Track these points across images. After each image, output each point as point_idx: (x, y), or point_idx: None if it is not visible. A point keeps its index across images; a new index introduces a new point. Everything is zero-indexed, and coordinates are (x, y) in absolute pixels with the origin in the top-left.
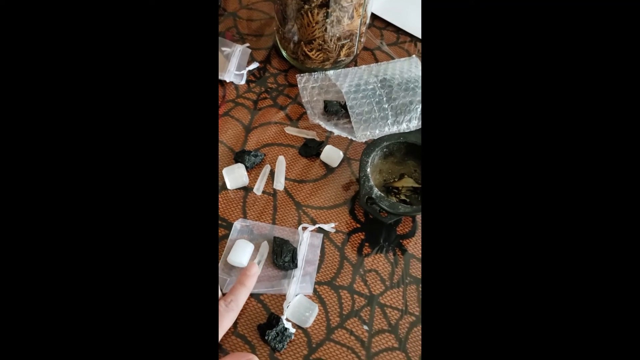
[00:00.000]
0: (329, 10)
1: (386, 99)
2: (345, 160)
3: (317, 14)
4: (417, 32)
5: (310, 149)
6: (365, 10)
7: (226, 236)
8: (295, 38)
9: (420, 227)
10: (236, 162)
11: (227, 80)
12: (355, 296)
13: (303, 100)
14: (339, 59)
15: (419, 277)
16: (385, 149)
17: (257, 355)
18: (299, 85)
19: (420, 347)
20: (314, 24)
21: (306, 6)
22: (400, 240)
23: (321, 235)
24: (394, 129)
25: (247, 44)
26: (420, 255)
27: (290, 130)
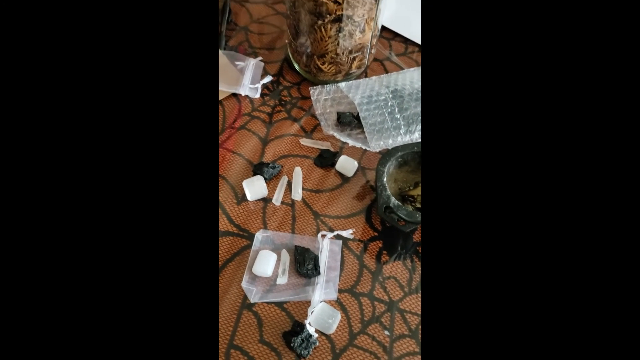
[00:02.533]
0: (342, 25)
1: (398, 109)
2: (360, 169)
3: (330, 28)
4: None
5: (326, 160)
6: (376, 24)
7: (249, 246)
8: (308, 52)
9: None
10: (255, 174)
11: (243, 94)
12: (376, 303)
13: (316, 112)
14: (350, 71)
15: None
16: (400, 159)
17: None
18: (312, 98)
19: None
20: (327, 39)
21: (319, 21)
22: (417, 247)
23: (340, 242)
24: (407, 139)
25: (260, 58)
26: None
27: (305, 141)
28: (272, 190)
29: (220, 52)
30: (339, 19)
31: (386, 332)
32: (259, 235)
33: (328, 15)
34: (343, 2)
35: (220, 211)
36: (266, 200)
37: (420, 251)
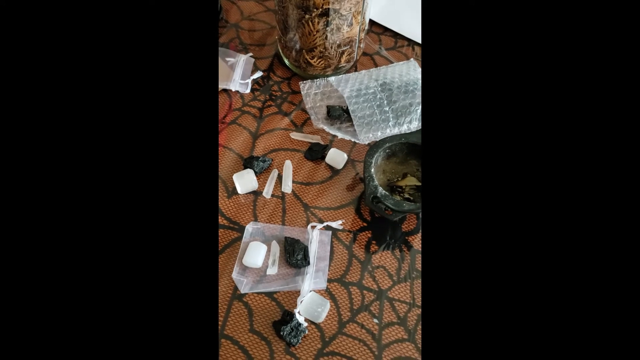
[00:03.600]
0: (329, 19)
1: (387, 102)
2: (350, 162)
3: (318, 23)
4: (414, 36)
5: (316, 153)
6: (363, 17)
7: (239, 239)
8: (297, 46)
9: None
10: (245, 167)
11: (233, 90)
12: (365, 291)
13: (306, 107)
14: (339, 65)
15: None
16: (387, 150)
17: (273, 350)
18: (302, 92)
19: None
20: (315, 33)
21: (307, 16)
22: (406, 237)
23: (330, 232)
24: (395, 131)
25: (251, 54)
26: None
27: (295, 135)
28: (262, 184)
29: None
30: (326, 13)
31: (375, 320)
32: (250, 228)
33: (315, 9)
34: None
35: None
36: (257, 194)
37: (408, 240)
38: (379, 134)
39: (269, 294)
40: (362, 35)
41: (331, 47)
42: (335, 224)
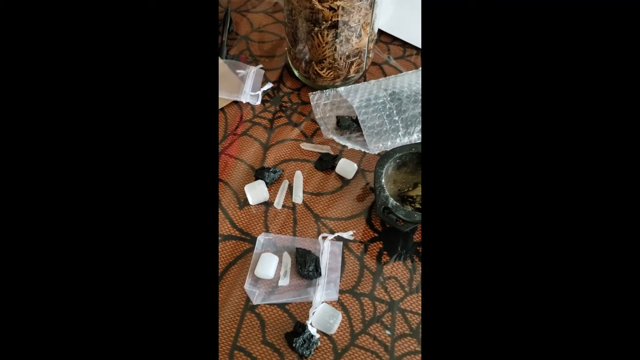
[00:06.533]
0: (338, 31)
1: (396, 111)
2: (360, 172)
3: (327, 35)
4: None
5: (326, 163)
6: (372, 28)
7: (251, 250)
8: (307, 58)
9: None
10: (256, 178)
11: (244, 101)
12: (377, 303)
13: (316, 117)
14: (348, 76)
15: None
16: (398, 160)
17: None
18: (311, 103)
19: None
20: (324, 45)
21: (316, 28)
22: (417, 248)
23: (341, 243)
24: (405, 140)
25: (261, 65)
26: None
27: (305, 146)
28: (273, 194)
29: (221, 61)
30: (335, 25)
31: (387, 332)
32: (261, 239)
33: (324, 22)
34: (338, 8)
35: (222, 216)
36: (268, 204)
37: (420, 251)
38: (389, 143)
39: (281, 305)
40: (371, 45)
41: (340, 58)
42: (346, 235)
